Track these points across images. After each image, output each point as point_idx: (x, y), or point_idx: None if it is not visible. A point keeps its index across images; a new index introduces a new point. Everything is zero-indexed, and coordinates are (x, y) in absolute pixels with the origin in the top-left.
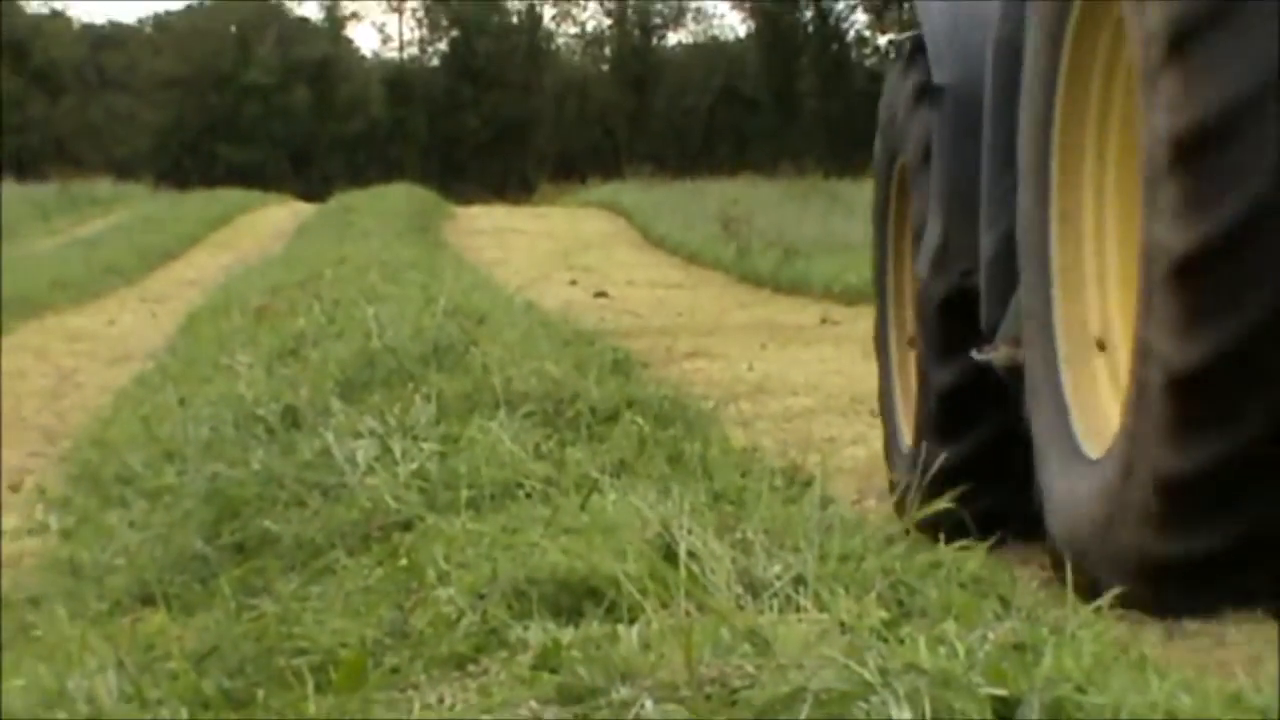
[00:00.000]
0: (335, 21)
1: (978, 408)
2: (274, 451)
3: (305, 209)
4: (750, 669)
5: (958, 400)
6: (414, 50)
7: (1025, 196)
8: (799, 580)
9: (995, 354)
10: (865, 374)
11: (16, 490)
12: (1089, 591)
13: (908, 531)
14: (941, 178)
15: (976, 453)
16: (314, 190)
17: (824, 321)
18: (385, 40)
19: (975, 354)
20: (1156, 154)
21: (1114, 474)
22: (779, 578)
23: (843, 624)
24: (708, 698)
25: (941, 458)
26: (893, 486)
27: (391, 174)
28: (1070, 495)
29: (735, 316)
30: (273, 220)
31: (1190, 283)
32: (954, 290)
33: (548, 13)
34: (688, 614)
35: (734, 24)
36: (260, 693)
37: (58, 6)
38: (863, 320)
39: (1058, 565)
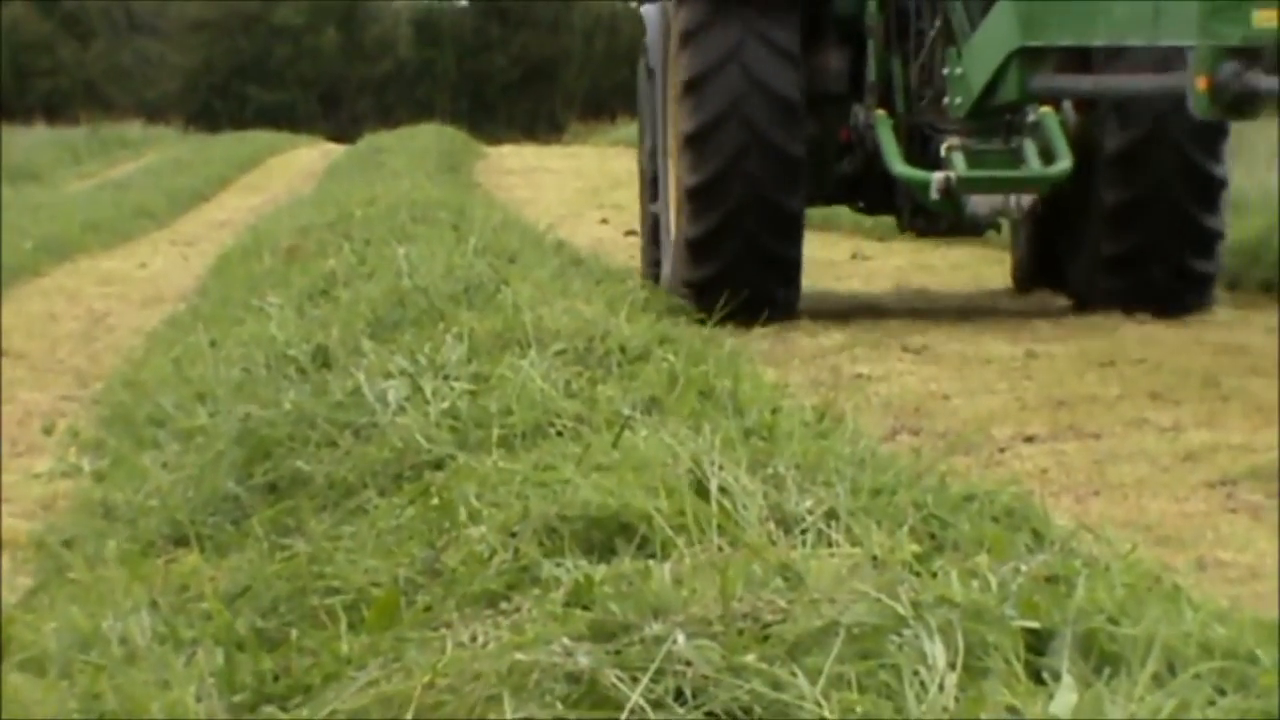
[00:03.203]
0: None
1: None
2: (305, 392)
3: (335, 150)
4: (783, 603)
5: (656, 226)
6: None
7: (660, 127)
8: (831, 515)
9: (656, 205)
10: (898, 310)
11: (50, 433)
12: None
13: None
14: (648, 115)
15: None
16: (343, 131)
17: (854, 257)
18: None
19: (651, 206)
20: (679, 140)
21: (675, 246)
22: (811, 512)
23: (875, 558)
24: (740, 632)
25: (651, 252)
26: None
27: (421, 114)
28: (671, 267)
29: None
30: (302, 161)
31: (693, 151)
32: (655, 172)
33: None
34: (720, 549)
35: None
36: (293, 632)
37: None
38: (894, 257)
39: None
